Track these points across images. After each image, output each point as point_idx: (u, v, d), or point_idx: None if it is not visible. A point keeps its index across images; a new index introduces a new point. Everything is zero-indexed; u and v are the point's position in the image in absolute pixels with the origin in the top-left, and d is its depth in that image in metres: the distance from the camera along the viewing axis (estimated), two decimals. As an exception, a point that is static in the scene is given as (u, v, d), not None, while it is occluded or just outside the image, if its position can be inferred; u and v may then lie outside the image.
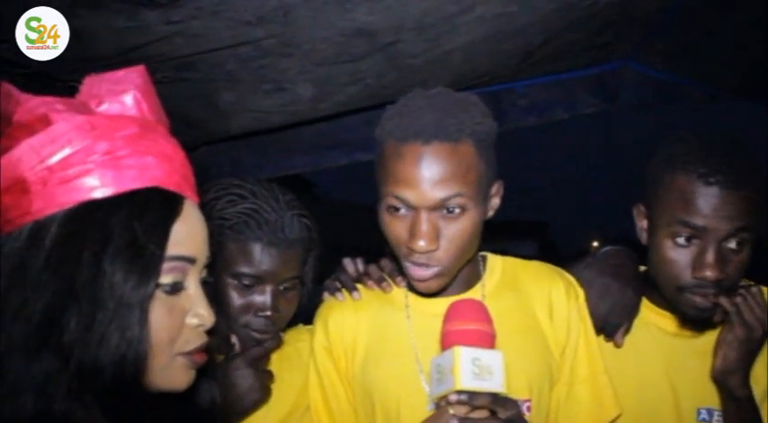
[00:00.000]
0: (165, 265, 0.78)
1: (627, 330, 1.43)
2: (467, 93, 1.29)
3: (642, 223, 1.45)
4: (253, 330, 1.36)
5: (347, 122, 2.51)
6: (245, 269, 1.34)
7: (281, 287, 1.38)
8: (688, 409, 1.40)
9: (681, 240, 1.32)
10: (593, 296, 1.41)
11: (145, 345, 0.76)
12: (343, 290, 1.41)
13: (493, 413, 1.03)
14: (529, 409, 1.27)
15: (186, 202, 0.83)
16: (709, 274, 1.29)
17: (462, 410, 1.02)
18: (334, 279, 1.43)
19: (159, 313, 0.78)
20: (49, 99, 0.80)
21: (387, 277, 1.40)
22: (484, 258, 1.40)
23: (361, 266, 1.44)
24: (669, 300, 1.39)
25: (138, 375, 0.76)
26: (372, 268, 1.43)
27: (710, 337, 1.42)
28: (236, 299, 1.35)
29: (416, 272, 1.22)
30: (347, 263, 1.45)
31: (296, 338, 1.49)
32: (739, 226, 1.29)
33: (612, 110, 2.81)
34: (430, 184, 1.16)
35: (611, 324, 1.41)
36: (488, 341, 1.05)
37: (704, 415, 1.39)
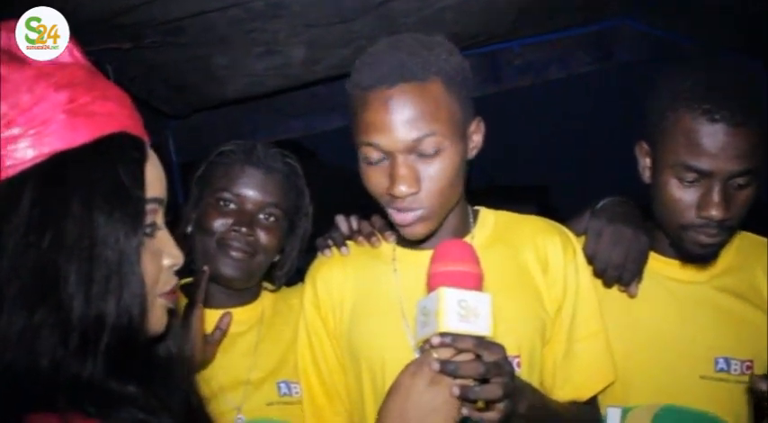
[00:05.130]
0: (146, 208, 0.78)
1: (640, 279, 1.39)
2: (433, 35, 1.24)
3: (645, 161, 1.39)
4: (230, 247, 1.40)
5: (342, 86, 2.49)
6: (226, 193, 1.41)
7: (261, 216, 1.42)
8: (705, 358, 1.34)
9: (686, 181, 1.29)
10: (604, 245, 1.35)
11: (146, 291, 0.76)
12: (332, 247, 1.41)
13: (478, 357, 0.98)
14: (519, 365, 1.24)
15: (147, 144, 0.82)
16: (714, 213, 1.26)
17: (446, 353, 0.97)
18: (326, 237, 1.43)
19: (146, 258, 0.78)
20: None
21: (376, 232, 1.39)
22: (476, 212, 1.38)
23: (354, 223, 1.43)
24: (672, 238, 1.36)
25: (143, 323, 0.76)
26: (363, 224, 1.42)
27: (719, 282, 1.40)
28: (216, 217, 1.41)
29: (400, 217, 1.20)
30: (340, 220, 1.44)
31: (290, 295, 1.52)
32: (745, 166, 1.25)
33: (609, 68, 2.79)
34: (401, 126, 1.13)
35: (628, 271, 1.35)
36: (475, 282, 0.99)
37: (722, 364, 1.35)
